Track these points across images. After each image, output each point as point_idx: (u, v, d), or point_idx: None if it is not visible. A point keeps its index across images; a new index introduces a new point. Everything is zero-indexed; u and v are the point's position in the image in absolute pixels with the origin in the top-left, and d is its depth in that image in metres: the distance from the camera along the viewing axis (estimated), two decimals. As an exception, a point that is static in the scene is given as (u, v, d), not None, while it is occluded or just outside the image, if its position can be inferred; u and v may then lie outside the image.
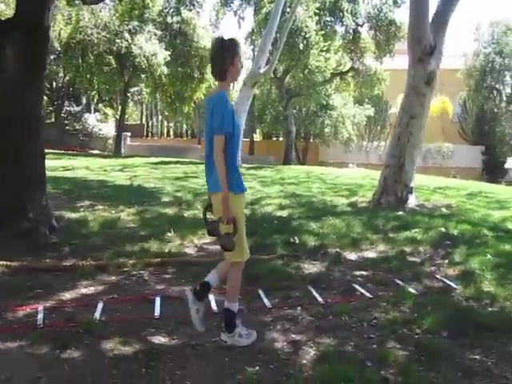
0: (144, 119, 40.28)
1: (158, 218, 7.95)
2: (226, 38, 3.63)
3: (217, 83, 3.69)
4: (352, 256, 6.17)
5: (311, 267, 5.64)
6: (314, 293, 4.76)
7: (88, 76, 23.00)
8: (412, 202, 9.35)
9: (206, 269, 4.07)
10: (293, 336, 3.88)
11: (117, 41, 21.66)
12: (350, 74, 23.98)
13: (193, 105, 26.12)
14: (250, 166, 17.71)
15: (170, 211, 8.55)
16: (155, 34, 23.29)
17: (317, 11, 19.75)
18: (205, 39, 23.81)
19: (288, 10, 17.72)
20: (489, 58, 29.47)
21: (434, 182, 14.18)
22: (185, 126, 38.23)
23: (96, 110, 36.82)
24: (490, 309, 4.43)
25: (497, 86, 30.21)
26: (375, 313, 4.33)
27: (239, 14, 23.33)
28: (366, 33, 23.07)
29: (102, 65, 22.21)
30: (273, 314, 4.34)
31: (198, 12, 24.96)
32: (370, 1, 22.70)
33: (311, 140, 32.64)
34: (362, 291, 4.84)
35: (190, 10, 24.30)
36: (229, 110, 3.51)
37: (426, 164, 30.84)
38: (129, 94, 32.25)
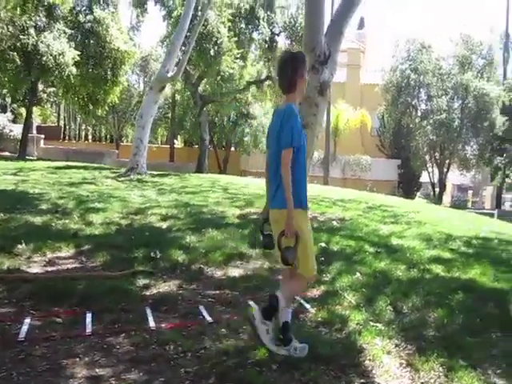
0: (62, 122, 38.56)
1: (19, 228, 7.18)
2: (294, 51, 3.76)
3: (284, 96, 3.70)
4: (215, 273, 5.69)
5: (162, 286, 5.11)
6: (149, 317, 4.23)
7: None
8: (303, 214, 9.02)
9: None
10: (97, 370, 3.33)
11: (22, 37, 20.36)
12: (266, 83, 23.79)
13: (107, 108, 25.01)
14: (157, 173, 17.01)
15: (39, 220, 7.77)
16: (65, 32, 22.11)
17: (230, 17, 19.38)
18: (119, 41, 22.89)
19: (200, 14, 17.22)
20: (405, 74, 30.26)
21: (341, 194, 14.07)
22: (103, 130, 36.90)
23: (12, 110, 34.93)
24: (337, 335, 4.05)
25: (412, 101, 31.03)
26: (208, 340, 3.85)
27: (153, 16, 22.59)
28: (282, 42, 22.99)
29: (6, 62, 20.79)
30: (89, 342, 3.77)
31: (113, 12, 23.96)
32: (287, 10, 22.62)
33: (232, 149, 32.39)
34: (205, 314, 4.35)
35: (104, 10, 23.29)
36: (298, 123, 3.54)
37: (345, 176, 31.31)
38: (45, 95, 30.81)
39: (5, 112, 33.91)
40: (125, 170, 15.95)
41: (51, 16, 22.21)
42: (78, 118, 36.72)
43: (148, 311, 4.33)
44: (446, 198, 36.63)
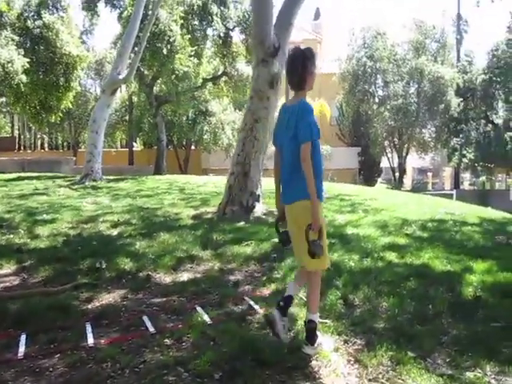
0: (16, 131, 37.51)
1: (-43, 247, 6.83)
2: (303, 47, 3.67)
3: (293, 93, 3.71)
4: (164, 279, 5.48)
5: (105, 298, 4.88)
6: (88, 333, 4.00)
7: None
8: (259, 210, 8.88)
9: None
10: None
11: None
12: (222, 79, 23.53)
13: (61, 115, 24.34)
14: (113, 178, 16.62)
15: (-20, 237, 7.43)
16: (13, 40, 21.41)
17: (182, 15, 19.04)
18: (70, 45, 22.26)
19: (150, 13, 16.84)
20: (361, 62, 30.42)
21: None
22: (60, 137, 36.05)
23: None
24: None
25: (369, 88, 31.22)
26: (149, 353, 3.65)
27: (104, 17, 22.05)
28: (237, 37, 22.77)
29: (-50, 73, 20.02)
30: (21, 366, 3.53)
31: (62, 17, 23.31)
32: (240, 5, 22.36)
33: (193, 147, 32.05)
34: (148, 325, 4.14)
35: (53, 14, 22.63)
36: (314, 117, 3.58)
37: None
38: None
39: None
40: (79, 178, 15.53)
41: (-3, 23, 21.49)
42: (33, 127, 35.74)
43: (88, 327, 4.10)
44: (407, 182, 37.13)
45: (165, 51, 17.93)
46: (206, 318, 4.24)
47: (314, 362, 3.44)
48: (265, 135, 9.12)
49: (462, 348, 3.59)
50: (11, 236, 7.45)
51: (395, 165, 32.79)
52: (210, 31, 22.67)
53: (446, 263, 5.56)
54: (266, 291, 4.95)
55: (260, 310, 4.40)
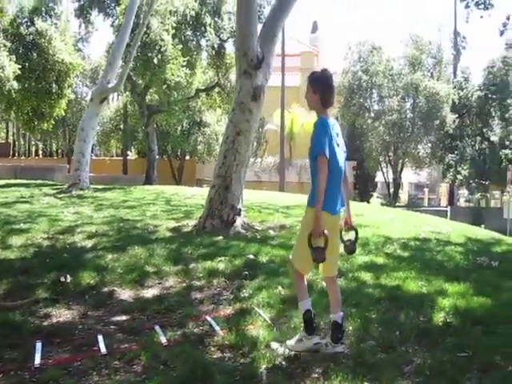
0: (11, 138, 37.40)
1: None
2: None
3: (328, 110, 3.93)
4: (127, 295, 5.30)
5: (64, 314, 4.71)
6: (37, 352, 3.82)
7: None
8: (239, 224, 8.70)
9: None
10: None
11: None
12: (215, 90, 23.46)
13: (53, 122, 24.23)
14: (101, 187, 16.45)
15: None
16: (5, 46, 21.34)
17: (175, 25, 18.98)
18: (63, 52, 22.20)
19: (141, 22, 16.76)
20: (356, 76, 30.43)
21: (290, 200, 13.81)
22: (54, 144, 35.94)
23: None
24: (241, 361, 3.73)
25: (365, 103, 31.21)
26: (95, 376, 3.49)
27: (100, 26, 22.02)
28: (230, 48, 22.70)
29: None
30: (-42, 388, 3.35)
31: (56, 24, 23.28)
32: (234, 16, 22.32)
33: (187, 158, 31.96)
34: (101, 345, 3.97)
35: (46, 21, 22.58)
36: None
37: (302, 180, 31.16)
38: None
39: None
40: (66, 186, 15.36)
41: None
42: (27, 134, 35.66)
43: (38, 346, 3.92)
44: (404, 197, 37.02)
45: (156, 61, 17.83)
46: (163, 338, 4.08)
47: (264, 392, 3.26)
48: (247, 148, 8.99)
49: (424, 379, 3.42)
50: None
51: (390, 179, 32.70)
52: (203, 42, 22.58)
53: (421, 285, 5.38)
54: (230, 311, 4.77)
55: (220, 332, 4.23)
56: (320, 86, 3.86)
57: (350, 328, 4.25)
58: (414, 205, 30.00)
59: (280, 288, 5.27)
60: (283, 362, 3.65)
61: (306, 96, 3.92)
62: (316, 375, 3.48)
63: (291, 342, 3.81)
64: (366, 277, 5.76)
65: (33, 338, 4.09)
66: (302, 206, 12.54)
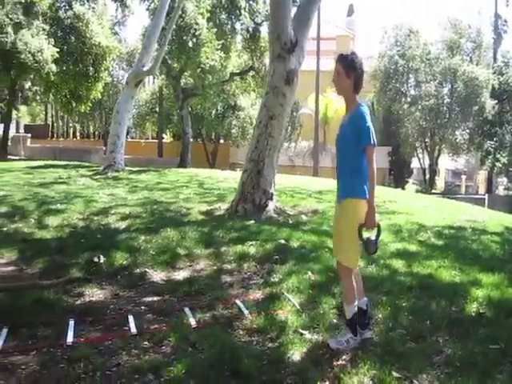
0: (50, 119, 38.15)
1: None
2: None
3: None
4: (159, 277, 5.37)
5: (96, 294, 4.80)
6: (70, 330, 3.91)
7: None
8: (271, 208, 8.70)
9: None
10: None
11: (-1, 36, 19.95)
12: (250, 74, 23.37)
13: (90, 104, 24.61)
14: (136, 169, 16.64)
15: (-9, 225, 7.46)
16: (44, 29, 21.70)
17: (210, 8, 18.92)
18: (100, 36, 22.47)
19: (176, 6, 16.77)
20: (393, 60, 29.83)
21: (322, 185, 13.70)
22: (91, 126, 36.51)
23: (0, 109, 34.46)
24: (269, 345, 3.74)
25: (401, 88, 30.61)
26: (125, 356, 3.55)
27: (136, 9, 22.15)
28: (265, 32, 22.51)
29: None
30: (-6, 362, 3.46)
31: (93, 7, 23.52)
32: (269, -1, 22.12)
33: (221, 141, 32.02)
34: (131, 325, 4.03)
35: (83, 5, 22.85)
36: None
37: (335, 165, 30.86)
38: (30, 94, 30.39)
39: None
40: (102, 168, 15.61)
41: (30, 13, 21.77)
42: (66, 116, 36.29)
43: (70, 324, 4.01)
44: (440, 184, 36.35)
45: (190, 44, 17.86)
46: (192, 320, 4.12)
47: (291, 376, 3.26)
48: (280, 132, 8.94)
49: (454, 370, 3.36)
50: (20, 225, 7.46)
51: (426, 166, 32.11)
52: (238, 25, 22.47)
53: (455, 274, 5.28)
54: (260, 295, 4.78)
55: (249, 316, 4.24)
56: (354, 71, 3.67)
57: (380, 316, 4.22)
58: (450, 192, 29.40)
59: (310, 273, 5.25)
60: (311, 348, 3.64)
61: (337, 80, 3.72)
62: (343, 362, 3.46)
63: (334, 344, 3.65)
64: (398, 264, 5.68)
65: (66, 317, 4.18)
66: (335, 191, 12.46)
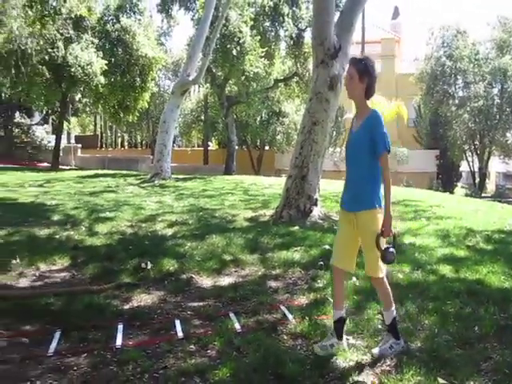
0: (99, 130, 39.28)
1: (20, 242, 7.14)
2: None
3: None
4: (205, 282, 5.47)
5: (144, 299, 4.92)
6: (119, 334, 4.04)
7: (23, 87, 22.02)
8: (316, 214, 8.70)
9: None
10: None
11: (49, 50, 20.71)
12: (293, 80, 23.42)
13: (137, 114, 25.23)
14: (182, 177, 16.95)
15: (45, 232, 7.76)
16: (93, 43, 22.45)
17: (253, 16, 19.11)
18: (146, 47, 23.03)
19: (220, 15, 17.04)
20: (440, 62, 29.27)
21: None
22: (138, 136, 37.35)
23: (53, 121, 35.75)
24: (308, 352, 3.75)
25: (449, 89, 29.97)
26: (172, 359, 3.63)
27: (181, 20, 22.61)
28: (309, 37, 22.52)
29: (36, 76, 21.26)
30: (48, 363, 3.62)
31: (140, 19, 24.14)
32: (311, 5, 22.13)
33: (266, 148, 32.16)
34: (178, 329, 4.13)
35: (130, 17, 23.49)
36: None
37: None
38: (80, 105, 31.40)
39: (46, 124, 34.76)
40: (149, 176, 15.97)
41: (79, 27, 22.58)
42: (114, 126, 37.28)
43: (119, 328, 4.14)
44: (491, 187, 35.31)
45: (234, 52, 18.08)
46: (237, 325, 4.17)
47: (334, 381, 3.27)
48: (324, 138, 8.94)
49: (502, 377, 3.29)
50: (72, 232, 7.73)
51: (476, 169, 31.28)
52: (281, 32, 22.57)
53: (504, 280, 5.16)
54: (304, 300, 4.80)
55: (293, 321, 4.27)
56: (368, 75, 3.58)
57: (426, 322, 4.16)
58: (501, 195, 28.48)
59: (354, 279, 5.23)
60: (355, 353, 3.63)
61: (349, 83, 3.63)
62: (388, 368, 3.44)
63: (376, 351, 3.62)
64: (445, 270, 5.59)
65: (115, 321, 4.32)
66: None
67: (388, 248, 3.52)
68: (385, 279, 3.69)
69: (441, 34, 30.26)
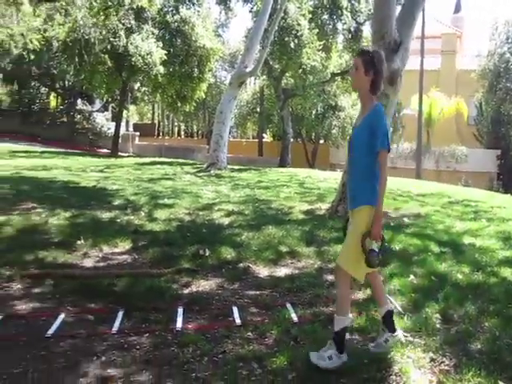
0: (156, 119, 40.08)
1: (84, 224, 7.42)
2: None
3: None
4: (261, 272, 5.54)
5: (202, 284, 5.05)
6: (179, 317, 4.16)
7: (86, 75, 22.76)
8: (371, 210, 8.61)
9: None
10: (109, 371, 3.31)
11: (112, 40, 21.32)
12: (351, 74, 23.14)
13: (194, 104, 25.60)
14: (238, 167, 17.12)
15: (106, 216, 8.02)
16: (153, 33, 22.92)
17: (310, 9, 19.00)
18: (204, 38, 23.32)
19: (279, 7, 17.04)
20: (503, 58, 28.26)
21: (425, 188, 13.33)
22: (195, 126, 37.87)
23: (112, 109, 36.77)
24: (371, 344, 3.76)
25: (513, 87, 28.93)
26: (230, 345, 3.72)
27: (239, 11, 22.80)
28: (367, 31, 22.20)
29: (99, 64, 21.94)
30: (112, 340, 3.78)
31: (199, 11, 24.45)
32: (371, -2, 21.81)
33: (321, 141, 31.98)
34: (236, 316, 4.22)
35: (189, 9, 23.83)
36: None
37: (439, 168, 29.78)
38: (139, 94, 32.17)
39: (106, 111, 35.81)
40: (205, 166, 16.21)
41: (140, 18, 23.11)
42: (171, 115, 37.94)
43: (179, 311, 4.27)
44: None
45: (292, 45, 18.05)
46: (294, 316, 4.22)
47: (392, 377, 3.27)
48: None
49: None
50: (132, 217, 7.96)
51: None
52: (339, 25, 22.33)
53: None
54: (361, 295, 4.80)
55: (350, 315, 4.27)
56: (373, 68, 3.42)
57: (486, 324, 4.09)
58: None
59: (412, 277, 5.19)
60: (412, 351, 3.62)
61: (354, 74, 3.50)
62: (446, 367, 3.41)
63: (315, 358, 3.37)
64: (507, 272, 5.46)
65: (174, 304, 4.45)
66: (439, 194, 12.02)
67: (372, 251, 3.34)
68: (348, 281, 3.51)
69: (505, 30, 29.20)
